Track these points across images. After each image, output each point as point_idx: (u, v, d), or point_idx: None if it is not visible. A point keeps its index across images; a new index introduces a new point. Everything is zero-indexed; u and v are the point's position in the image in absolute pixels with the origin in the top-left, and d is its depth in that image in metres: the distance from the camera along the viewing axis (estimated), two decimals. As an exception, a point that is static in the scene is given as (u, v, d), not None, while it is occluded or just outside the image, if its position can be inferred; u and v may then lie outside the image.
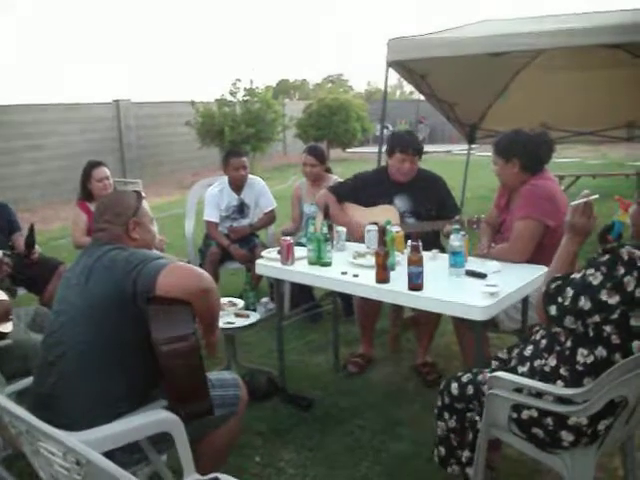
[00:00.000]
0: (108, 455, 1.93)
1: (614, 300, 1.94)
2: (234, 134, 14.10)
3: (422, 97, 8.02)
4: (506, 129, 3.50)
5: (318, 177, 4.92)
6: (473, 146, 9.03)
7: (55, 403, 2.13)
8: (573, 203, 2.23)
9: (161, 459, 2.32)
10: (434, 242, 3.84)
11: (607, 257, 2.00)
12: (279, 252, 3.45)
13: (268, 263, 3.53)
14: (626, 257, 1.95)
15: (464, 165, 8.92)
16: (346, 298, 4.58)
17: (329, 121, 17.62)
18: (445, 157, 14.58)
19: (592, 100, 7.24)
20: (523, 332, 3.17)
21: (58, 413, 2.07)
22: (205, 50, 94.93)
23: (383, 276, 2.96)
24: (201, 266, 4.95)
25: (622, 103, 7.24)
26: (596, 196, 2.25)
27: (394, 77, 20.77)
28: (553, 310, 2.10)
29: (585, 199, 2.23)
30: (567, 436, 2.10)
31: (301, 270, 3.35)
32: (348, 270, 3.19)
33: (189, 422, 2.12)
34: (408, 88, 39.73)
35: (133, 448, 2.08)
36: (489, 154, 3.58)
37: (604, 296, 1.96)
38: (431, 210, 3.94)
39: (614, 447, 2.34)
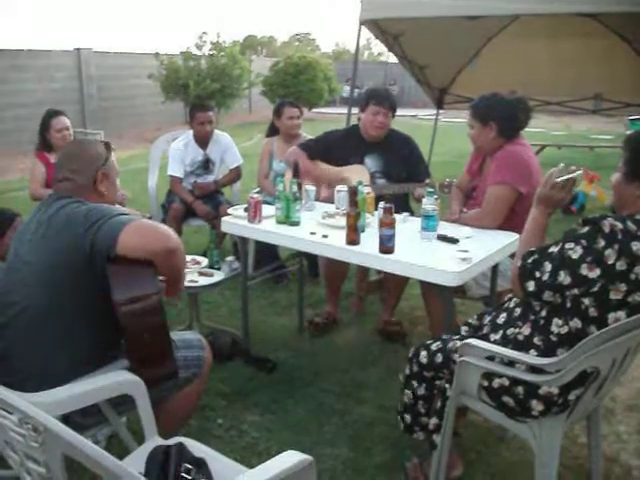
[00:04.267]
0: (64, 417, 1.86)
1: (595, 274, 1.90)
2: (199, 89, 13.81)
3: (391, 60, 7.92)
4: (474, 95, 3.42)
5: (298, 131, 4.84)
6: (439, 112, 9.00)
7: (9, 364, 2.02)
8: (559, 179, 2.18)
9: (121, 421, 2.24)
10: (404, 205, 3.78)
11: (587, 229, 1.95)
12: (246, 210, 3.36)
13: (234, 221, 3.42)
14: (607, 229, 1.91)
15: (430, 130, 8.89)
16: (312, 259, 4.52)
17: (296, 80, 17.39)
18: (411, 121, 14.51)
19: (562, 70, 7.24)
20: (490, 299, 3.15)
21: (12, 374, 1.97)
22: (171, 1, 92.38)
23: (353, 237, 2.89)
24: (164, 222, 4.84)
25: (591, 75, 7.25)
26: (580, 172, 2.21)
27: (363, 38, 20.55)
28: (531, 286, 2.05)
29: (571, 175, 2.18)
30: (537, 405, 2.08)
31: (269, 229, 3.26)
32: (317, 230, 3.11)
33: (152, 386, 2.03)
34: (376, 49, 39.48)
35: (92, 410, 1.99)
36: (455, 120, 3.53)
37: (584, 270, 1.91)
38: (402, 171, 3.87)
39: (582, 417, 2.33)
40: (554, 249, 2.03)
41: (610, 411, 3.04)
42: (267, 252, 4.52)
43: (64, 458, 1.38)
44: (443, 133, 10.05)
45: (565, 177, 2.18)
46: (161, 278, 2.14)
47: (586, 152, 10.42)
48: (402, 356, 3.04)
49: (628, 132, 8.83)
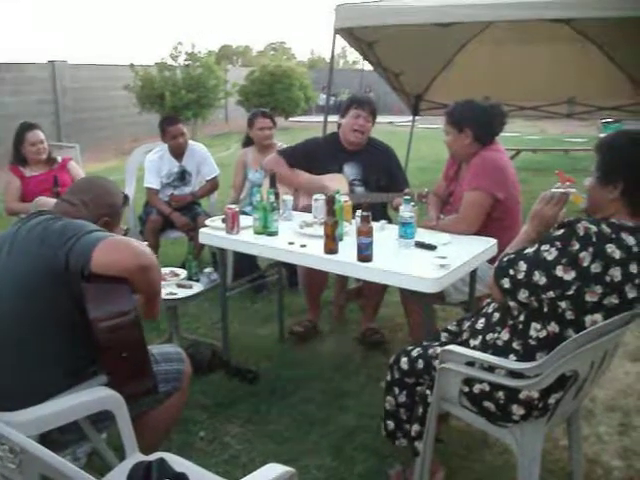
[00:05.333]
0: (44, 435, 1.83)
1: (570, 276, 1.92)
2: (175, 99, 13.75)
3: (366, 67, 7.95)
4: (449, 102, 3.45)
5: (271, 142, 4.82)
6: (415, 118, 9.05)
7: None
8: (554, 191, 2.20)
9: (101, 438, 2.22)
10: (382, 213, 3.79)
11: (562, 231, 1.98)
12: (223, 221, 3.34)
13: (212, 232, 3.41)
14: (582, 232, 1.93)
15: (406, 136, 8.91)
16: (291, 269, 4.50)
17: (272, 89, 17.40)
18: (387, 128, 14.57)
19: (535, 75, 7.30)
20: (469, 304, 3.17)
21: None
22: (145, 12, 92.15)
23: (332, 246, 2.89)
24: (141, 234, 4.81)
25: (564, 79, 7.32)
26: (573, 190, 2.22)
27: (338, 46, 20.66)
28: (506, 283, 2.08)
29: (563, 190, 2.20)
30: (518, 410, 2.09)
31: (247, 240, 3.25)
32: (295, 240, 3.11)
33: (132, 402, 2.01)
34: (352, 57, 39.68)
35: (71, 427, 1.95)
36: (431, 126, 3.55)
37: (559, 272, 1.93)
38: (380, 180, 3.88)
39: (562, 420, 2.34)
40: (529, 250, 2.05)
41: (590, 412, 3.06)
42: (246, 262, 4.51)
43: (42, 479, 1.36)
44: (419, 139, 10.10)
45: (558, 190, 2.20)
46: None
47: (561, 155, 10.54)
48: (383, 364, 3.04)
49: (601, 135, 9.00)
